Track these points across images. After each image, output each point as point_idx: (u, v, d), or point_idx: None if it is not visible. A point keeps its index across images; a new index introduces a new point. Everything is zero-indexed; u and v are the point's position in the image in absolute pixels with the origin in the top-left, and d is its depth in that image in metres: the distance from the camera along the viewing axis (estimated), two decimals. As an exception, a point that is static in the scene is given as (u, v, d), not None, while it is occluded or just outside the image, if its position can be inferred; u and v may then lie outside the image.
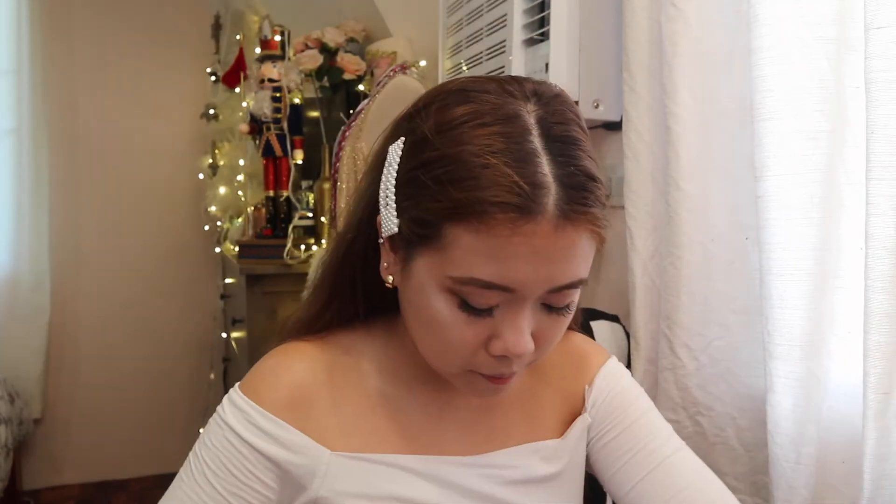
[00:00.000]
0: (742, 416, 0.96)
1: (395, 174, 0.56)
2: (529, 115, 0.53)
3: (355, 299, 0.66)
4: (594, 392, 0.72)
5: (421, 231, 0.54)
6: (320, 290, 0.68)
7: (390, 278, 0.60)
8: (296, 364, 0.65)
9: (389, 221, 0.57)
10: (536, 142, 0.51)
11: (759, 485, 0.95)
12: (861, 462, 0.72)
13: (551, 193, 0.50)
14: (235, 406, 0.62)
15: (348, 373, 0.66)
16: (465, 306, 0.54)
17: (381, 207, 0.58)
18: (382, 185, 0.58)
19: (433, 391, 0.67)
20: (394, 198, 0.56)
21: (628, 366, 1.14)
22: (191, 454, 0.63)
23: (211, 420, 0.64)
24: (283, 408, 0.62)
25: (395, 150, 0.57)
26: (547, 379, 0.72)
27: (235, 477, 0.60)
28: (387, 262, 0.60)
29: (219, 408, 0.64)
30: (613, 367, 0.74)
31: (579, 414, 0.71)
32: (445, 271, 0.53)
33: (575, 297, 0.57)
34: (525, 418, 0.69)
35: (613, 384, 0.72)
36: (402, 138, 0.57)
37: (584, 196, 0.52)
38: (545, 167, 0.51)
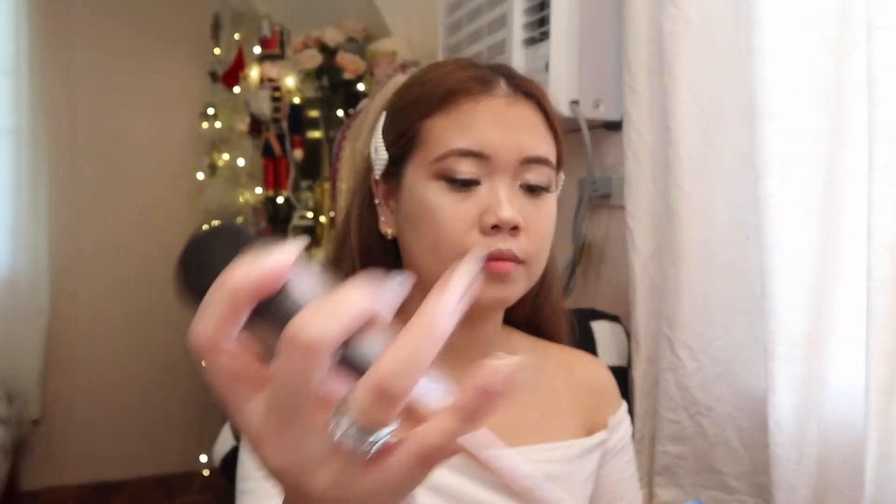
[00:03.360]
0: (743, 417, 0.96)
1: (380, 132, 0.66)
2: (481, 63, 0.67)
3: None
4: (616, 423, 0.75)
5: (403, 143, 0.64)
6: None
7: (388, 230, 0.66)
8: None
9: (380, 158, 0.66)
10: (484, 65, 0.66)
11: (760, 485, 0.94)
12: (863, 463, 0.72)
13: (500, 78, 0.64)
14: None
15: None
16: (451, 184, 0.60)
17: (373, 164, 0.66)
18: (372, 147, 0.67)
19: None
20: (382, 140, 0.66)
21: (628, 366, 1.14)
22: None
23: (238, 461, 0.65)
24: None
25: (382, 118, 0.68)
26: (566, 384, 0.73)
27: None
28: (384, 216, 0.67)
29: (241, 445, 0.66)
30: (627, 417, 0.78)
31: (595, 431, 0.73)
32: (428, 159, 0.61)
33: (549, 180, 0.63)
34: (542, 417, 0.70)
35: (625, 430, 0.77)
36: (384, 112, 0.68)
37: (525, 80, 0.65)
38: (491, 70, 0.65)
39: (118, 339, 3.18)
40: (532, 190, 0.62)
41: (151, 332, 3.22)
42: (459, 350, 0.67)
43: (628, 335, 1.14)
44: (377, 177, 0.66)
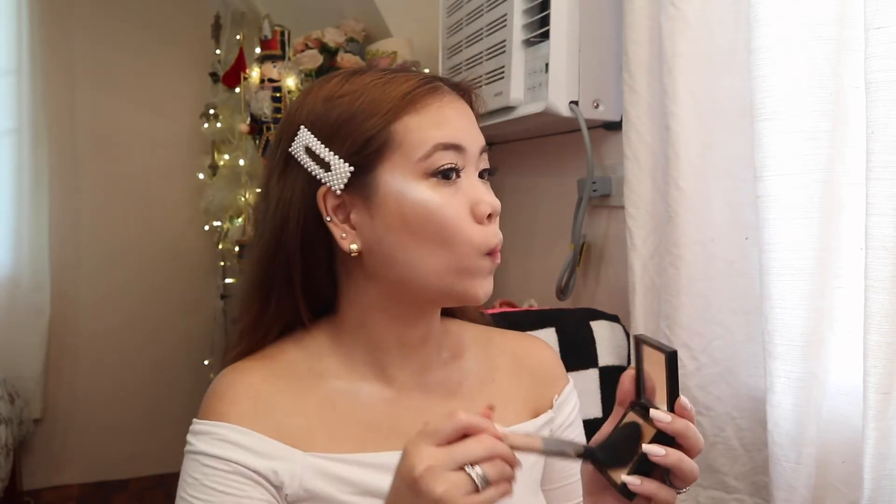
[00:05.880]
0: (742, 416, 0.96)
1: (317, 141, 0.63)
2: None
3: (294, 305, 0.67)
4: (561, 401, 0.76)
5: (370, 151, 0.62)
6: (253, 299, 0.68)
7: (353, 246, 0.63)
8: (249, 378, 0.66)
9: (340, 172, 0.62)
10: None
11: (759, 485, 0.95)
12: (861, 462, 0.72)
13: (435, 80, 0.66)
14: (200, 433, 0.63)
15: (304, 378, 0.67)
16: (440, 179, 0.62)
17: (322, 179, 0.63)
18: (309, 162, 0.63)
19: (389, 379, 0.68)
20: (330, 152, 0.62)
21: (628, 365, 1.14)
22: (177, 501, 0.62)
23: (184, 461, 0.64)
24: (249, 418, 0.63)
25: (303, 135, 0.64)
26: (510, 370, 0.75)
27: (229, 494, 0.60)
28: (343, 233, 0.63)
29: (186, 447, 0.64)
30: (573, 392, 0.79)
31: (541, 412, 0.74)
32: (413, 159, 0.62)
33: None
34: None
35: (572, 406, 0.78)
36: (301, 127, 0.64)
37: (452, 80, 0.68)
38: (421, 73, 0.67)
39: (119, 338, 3.18)
40: (483, 176, 0.66)
41: (153, 332, 3.23)
42: (405, 344, 0.67)
43: (628, 335, 1.14)
44: (338, 191, 0.63)
